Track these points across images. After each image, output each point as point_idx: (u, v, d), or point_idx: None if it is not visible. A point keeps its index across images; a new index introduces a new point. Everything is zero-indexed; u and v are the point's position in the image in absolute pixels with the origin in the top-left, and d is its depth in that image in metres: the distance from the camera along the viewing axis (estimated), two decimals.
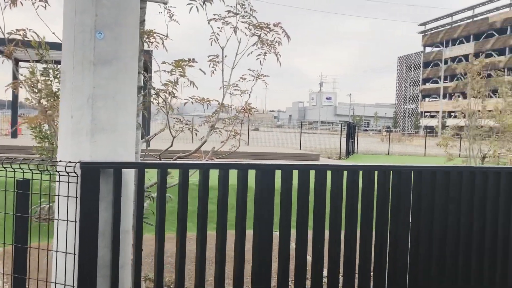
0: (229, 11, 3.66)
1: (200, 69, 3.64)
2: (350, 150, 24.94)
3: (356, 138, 27.64)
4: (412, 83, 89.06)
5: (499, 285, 3.53)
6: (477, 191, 3.44)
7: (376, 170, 3.18)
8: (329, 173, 3.07)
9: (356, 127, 29.88)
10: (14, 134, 18.06)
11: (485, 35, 70.96)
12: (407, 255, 3.29)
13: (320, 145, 28.37)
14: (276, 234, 2.93)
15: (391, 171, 3.20)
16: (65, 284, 2.47)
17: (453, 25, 78.66)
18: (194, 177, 2.85)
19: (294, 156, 17.94)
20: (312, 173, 3.05)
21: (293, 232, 3.01)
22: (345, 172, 3.11)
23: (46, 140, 6.54)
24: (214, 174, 2.81)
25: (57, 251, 2.49)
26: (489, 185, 3.48)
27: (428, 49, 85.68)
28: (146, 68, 5.88)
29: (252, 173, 2.89)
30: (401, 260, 3.27)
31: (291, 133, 38.92)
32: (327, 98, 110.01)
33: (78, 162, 2.42)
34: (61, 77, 2.62)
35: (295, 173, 2.98)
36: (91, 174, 2.42)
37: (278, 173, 2.95)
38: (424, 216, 3.32)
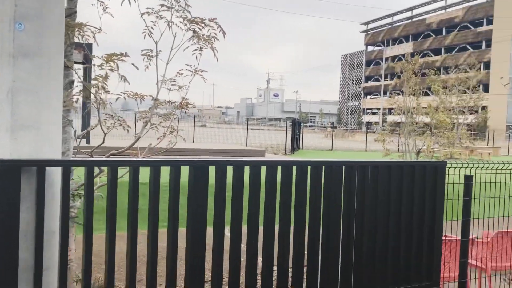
0: (162, 5, 3.60)
1: (133, 64, 3.55)
2: (295, 146, 25.38)
3: (301, 134, 28.17)
4: (355, 80, 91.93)
5: (425, 279, 3.72)
6: (405, 184, 3.60)
7: (309, 166, 3.25)
8: (263, 169, 3.10)
9: (301, 124, 30.46)
10: None
11: (423, 35, 74.46)
12: (339, 246, 3.39)
13: (267, 141, 28.66)
14: (210, 231, 2.92)
15: (323, 166, 3.28)
16: None
17: (394, 25, 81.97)
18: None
19: (240, 152, 18.00)
20: (247, 169, 3.06)
21: (228, 228, 3.01)
22: (279, 168, 3.16)
23: None
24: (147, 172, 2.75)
25: None
26: (416, 179, 3.66)
27: (370, 48, 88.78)
28: (86, 62, 5.67)
29: (186, 170, 2.85)
30: (333, 252, 3.36)
31: (238, 129, 39.02)
32: (274, 95, 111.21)
33: None
34: None
35: (230, 169, 2.98)
36: (11, 173, 2.30)
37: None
38: (356, 208, 3.43)
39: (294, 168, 3.19)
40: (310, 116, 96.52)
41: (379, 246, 3.53)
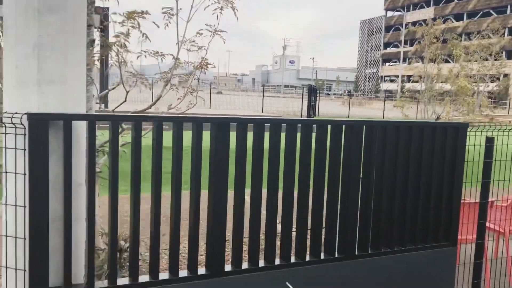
0: None
1: (154, 22, 3.54)
2: (311, 113, 25.22)
3: (317, 101, 27.96)
4: (373, 47, 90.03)
5: (443, 240, 3.74)
6: (426, 145, 3.58)
7: (329, 125, 3.25)
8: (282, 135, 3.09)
9: (318, 91, 30.18)
10: None
11: (444, 0, 72.01)
12: (358, 207, 3.42)
13: (283, 108, 28.61)
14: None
15: (344, 126, 3.28)
16: (16, 237, 2.44)
17: None
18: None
19: None
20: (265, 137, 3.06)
21: (248, 191, 3.03)
22: (299, 127, 3.16)
23: None
24: (169, 136, 2.76)
25: (6, 204, 2.45)
26: (437, 140, 3.63)
27: (389, 13, 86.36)
28: (102, 24, 5.66)
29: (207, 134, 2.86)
30: (351, 212, 3.39)
31: (254, 96, 38.92)
32: (290, 62, 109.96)
33: (25, 113, 2.35)
34: (4, 24, 2.49)
35: (250, 129, 3.00)
36: (40, 126, 2.35)
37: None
38: (375, 171, 3.43)
39: (313, 127, 3.20)
40: (327, 84, 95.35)
41: (397, 207, 3.55)
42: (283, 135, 3.09)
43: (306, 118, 3.19)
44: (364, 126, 3.35)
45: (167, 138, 2.74)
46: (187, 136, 2.81)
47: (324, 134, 3.21)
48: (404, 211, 3.59)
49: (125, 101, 3.69)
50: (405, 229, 3.60)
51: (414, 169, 3.59)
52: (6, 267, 2.49)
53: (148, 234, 2.84)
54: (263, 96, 28.10)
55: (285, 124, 3.10)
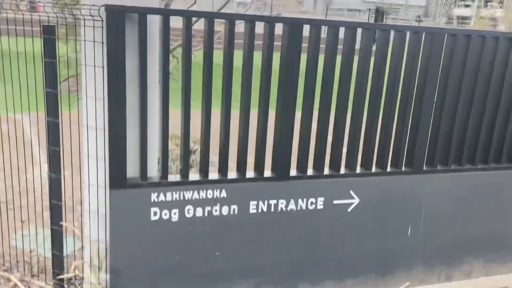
0: None
1: None
2: None
3: None
4: None
5: None
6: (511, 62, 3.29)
7: (408, 32, 3.04)
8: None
9: (384, 14, 28.43)
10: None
11: None
12: (430, 123, 3.27)
13: None
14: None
15: (424, 33, 3.06)
16: (96, 128, 2.57)
17: None
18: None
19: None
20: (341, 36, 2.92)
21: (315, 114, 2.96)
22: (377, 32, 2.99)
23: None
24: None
25: (86, 95, 2.55)
26: None
27: None
28: None
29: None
30: (422, 128, 3.25)
31: (316, 19, 37.32)
32: None
33: (103, 5, 2.36)
34: None
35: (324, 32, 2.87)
36: (116, 18, 2.37)
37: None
38: (451, 89, 3.22)
39: (391, 33, 3.01)
40: (394, 8, 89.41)
41: (472, 124, 3.37)
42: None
43: (383, 23, 2.99)
44: (446, 34, 3.11)
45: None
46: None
47: (402, 42, 3.02)
48: (479, 129, 3.40)
49: (195, 3, 3.63)
50: (477, 147, 3.44)
51: (496, 85, 3.34)
52: (88, 156, 2.65)
53: (214, 143, 2.88)
54: (326, 18, 26.93)
55: (361, 29, 2.93)
